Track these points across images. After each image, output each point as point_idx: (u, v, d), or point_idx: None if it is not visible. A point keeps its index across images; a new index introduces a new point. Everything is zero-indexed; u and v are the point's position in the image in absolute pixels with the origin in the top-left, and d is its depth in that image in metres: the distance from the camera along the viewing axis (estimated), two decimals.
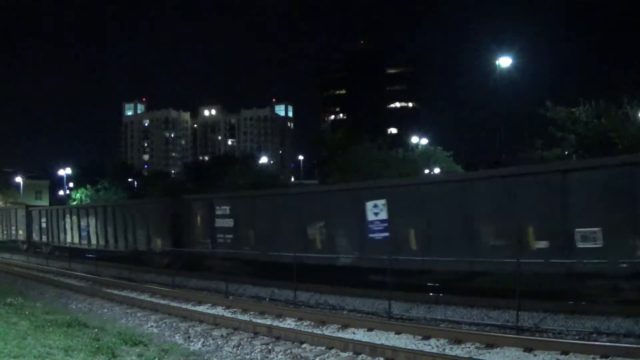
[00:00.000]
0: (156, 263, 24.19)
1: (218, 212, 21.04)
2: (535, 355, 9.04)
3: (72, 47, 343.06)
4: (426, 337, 10.41)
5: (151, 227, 24.95)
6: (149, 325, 12.77)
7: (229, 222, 20.63)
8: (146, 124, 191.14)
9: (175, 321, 13.00)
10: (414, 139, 53.28)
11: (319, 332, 11.31)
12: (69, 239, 32.87)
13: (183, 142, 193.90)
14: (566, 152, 23.00)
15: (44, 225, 36.24)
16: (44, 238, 36.23)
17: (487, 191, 13.73)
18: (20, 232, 39.98)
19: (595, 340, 9.68)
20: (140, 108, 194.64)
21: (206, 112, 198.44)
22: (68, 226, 32.83)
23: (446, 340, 10.19)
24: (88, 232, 30.53)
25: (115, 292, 17.88)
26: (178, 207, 23.62)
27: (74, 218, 32.23)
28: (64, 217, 33.52)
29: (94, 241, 29.95)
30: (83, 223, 31.19)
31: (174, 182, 65.95)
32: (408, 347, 9.58)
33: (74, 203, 55.63)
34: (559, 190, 12.27)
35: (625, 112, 21.52)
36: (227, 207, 20.80)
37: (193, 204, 22.59)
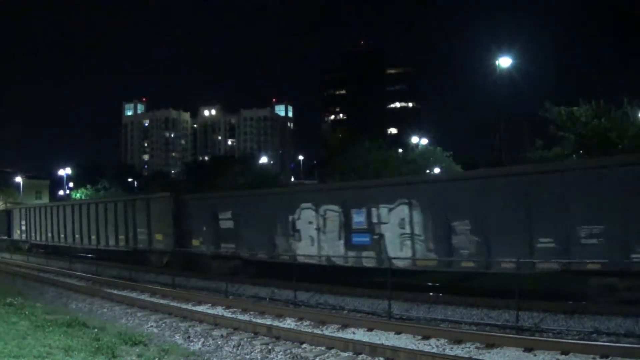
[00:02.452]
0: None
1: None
2: (535, 355, 9.04)
3: (72, 47, 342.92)
4: (426, 337, 10.41)
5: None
6: (149, 325, 12.77)
7: None
8: (146, 124, 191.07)
9: (175, 321, 13.01)
10: (414, 139, 53.30)
11: (319, 332, 11.31)
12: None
13: (183, 142, 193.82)
14: (566, 152, 23.00)
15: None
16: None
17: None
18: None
19: (595, 340, 9.69)
20: (140, 108, 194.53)
21: (206, 112, 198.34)
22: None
23: (446, 340, 10.19)
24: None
25: (115, 292, 17.87)
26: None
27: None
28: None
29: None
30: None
31: (174, 182, 66.01)
32: (408, 347, 9.59)
33: None
34: None
35: (625, 112, 21.53)
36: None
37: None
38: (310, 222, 17.34)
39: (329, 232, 16.85)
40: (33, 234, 36.59)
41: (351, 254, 16.19)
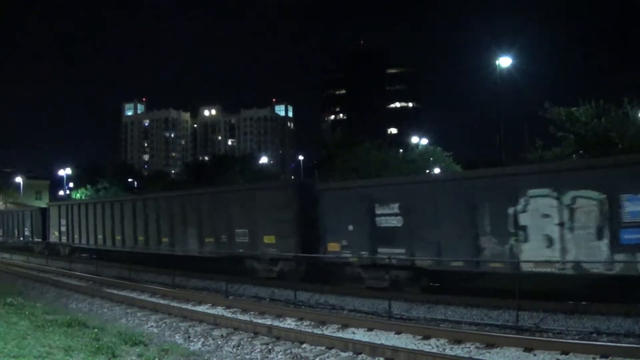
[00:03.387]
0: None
1: None
2: (535, 355, 9.04)
3: (72, 47, 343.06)
4: (426, 337, 10.41)
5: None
6: (149, 325, 12.77)
7: None
8: (146, 124, 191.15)
9: (175, 321, 13.00)
10: (414, 139, 53.30)
11: (319, 332, 11.31)
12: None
13: (183, 142, 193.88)
14: (566, 152, 22.98)
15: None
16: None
17: None
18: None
19: (595, 340, 9.69)
20: (140, 108, 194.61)
21: (206, 112, 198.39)
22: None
23: (446, 340, 10.19)
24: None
25: (115, 292, 17.86)
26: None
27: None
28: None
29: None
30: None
31: (174, 182, 66.01)
32: (408, 347, 9.58)
33: None
34: None
35: (625, 112, 21.52)
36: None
37: None
38: (547, 215, 12.81)
39: (580, 228, 12.36)
40: (76, 236, 30.94)
41: (619, 257, 11.83)
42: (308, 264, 17.61)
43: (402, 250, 14.91)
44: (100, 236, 28.50)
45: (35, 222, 37.01)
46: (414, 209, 14.87)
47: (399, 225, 15.14)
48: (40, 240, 35.88)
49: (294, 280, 16.70)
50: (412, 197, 15.01)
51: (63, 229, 32.34)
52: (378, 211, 15.58)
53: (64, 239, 32.37)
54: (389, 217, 15.34)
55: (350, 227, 16.26)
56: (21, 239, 39.75)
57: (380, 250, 15.36)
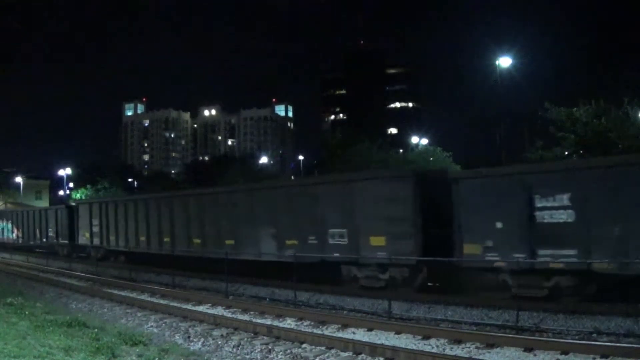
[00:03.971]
0: None
1: None
2: (535, 355, 9.04)
3: (72, 47, 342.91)
4: (426, 337, 10.41)
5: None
6: (149, 325, 12.77)
7: None
8: (146, 124, 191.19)
9: (175, 321, 13.01)
10: (414, 139, 53.30)
11: (319, 332, 11.31)
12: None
13: (183, 142, 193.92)
14: (566, 152, 23.01)
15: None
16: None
17: None
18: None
19: (595, 340, 9.69)
20: (140, 108, 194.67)
21: (206, 112, 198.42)
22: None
23: (446, 340, 10.19)
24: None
25: (115, 292, 17.88)
26: None
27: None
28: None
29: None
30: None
31: (174, 182, 66.06)
32: (408, 347, 9.58)
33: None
34: None
35: (625, 112, 21.54)
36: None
37: None
38: None
39: None
40: (112, 238, 27.17)
41: None
42: (430, 271, 14.82)
43: (573, 252, 12.22)
44: (143, 238, 24.79)
45: (61, 222, 33.32)
46: (591, 199, 12.14)
47: (570, 220, 12.33)
48: (66, 242, 32.41)
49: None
50: (588, 186, 12.23)
51: (95, 229, 28.65)
52: (539, 204, 12.74)
53: (96, 240, 28.77)
54: (556, 210, 12.56)
55: (499, 225, 13.31)
56: (44, 240, 35.75)
57: (542, 252, 12.63)
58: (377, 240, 15.30)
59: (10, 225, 42.73)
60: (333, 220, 16.44)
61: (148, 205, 25.01)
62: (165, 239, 23.39)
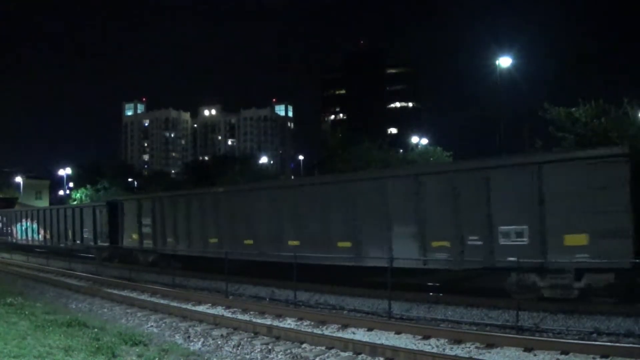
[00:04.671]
0: None
1: None
2: (535, 355, 9.05)
3: (73, 47, 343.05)
4: (426, 337, 10.41)
5: None
6: (149, 325, 12.77)
7: None
8: (146, 124, 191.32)
9: (175, 321, 13.01)
10: (414, 139, 53.29)
11: (319, 332, 11.31)
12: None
13: (183, 142, 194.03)
14: None
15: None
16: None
17: None
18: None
19: (595, 340, 9.69)
20: (140, 108, 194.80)
21: (206, 112, 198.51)
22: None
23: (446, 340, 10.19)
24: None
25: (115, 292, 17.88)
26: None
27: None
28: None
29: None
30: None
31: (174, 182, 66.01)
32: (408, 347, 9.59)
33: (74, 203, 55.41)
34: None
35: (625, 112, 21.53)
36: None
37: None
38: None
39: None
40: (170, 239, 23.01)
41: None
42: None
43: None
44: (214, 239, 20.55)
45: (100, 222, 28.84)
46: None
47: None
48: (106, 244, 27.82)
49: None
50: None
51: (147, 229, 24.48)
52: None
53: (147, 242, 24.52)
54: None
55: None
56: (77, 242, 31.25)
57: None
58: (575, 239, 12.20)
59: (35, 226, 37.88)
60: (507, 214, 13.06)
61: (217, 201, 20.88)
62: (247, 242, 19.12)
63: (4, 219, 44.99)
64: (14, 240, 41.14)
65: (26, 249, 37.34)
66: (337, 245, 16.26)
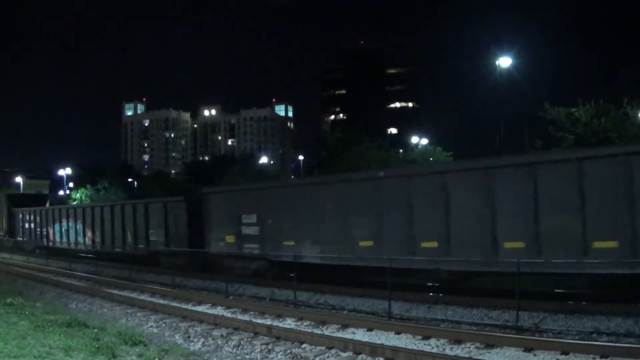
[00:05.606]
0: None
1: None
2: (535, 355, 9.04)
3: (73, 47, 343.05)
4: (426, 337, 10.41)
5: None
6: (149, 325, 12.77)
7: None
8: (146, 124, 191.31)
9: (175, 321, 13.01)
10: (414, 139, 53.30)
11: (319, 332, 11.31)
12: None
13: (183, 142, 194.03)
14: None
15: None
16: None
17: None
18: None
19: (595, 340, 9.69)
20: (140, 108, 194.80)
21: (206, 112, 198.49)
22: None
23: (446, 340, 10.19)
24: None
25: (115, 292, 17.87)
26: None
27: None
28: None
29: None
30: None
31: (174, 182, 66.04)
32: (408, 347, 9.58)
33: (74, 203, 55.27)
34: None
35: (625, 112, 21.56)
36: None
37: None
38: None
39: None
40: (291, 243, 17.37)
41: None
42: None
43: None
44: (367, 243, 15.41)
45: (174, 221, 23.19)
46: None
47: None
48: (184, 248, 22.05)
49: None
50: None
51: (249, 229, 18.86)
52: None
53: (250, 247, 18.86)
54: None
55: None
56: (140, 247, 25.39)
57: None
58: None
59: (80, 226, 31.07)
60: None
61: (366, 188, 15.89)
62: (429, 244, 14.18)
63: (37, 218, 36.63)
64: (51, 244, 34.50)
65: (68, 254, 31.14)
66: (504, 245, 13.07)
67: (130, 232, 26.26)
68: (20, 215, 39.12)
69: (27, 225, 38.05)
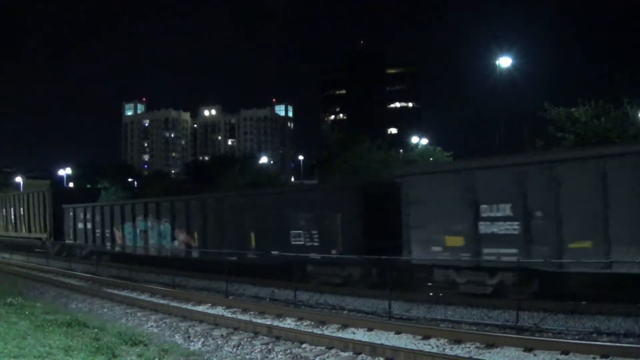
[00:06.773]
0: None
1: None
2: (535, 355, 9.04)
3: (73, 47, 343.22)
4: (426, 337, 10.41)
5: None
6: (149, 325, 12.77)
7: None
8: (146, 124, 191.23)
9: (175, 321, 13.01)
10: (414, 139, 53.28)
11: (319, 332, 11.31)
12: None
13: (183, 142, 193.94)
14: None
15: None
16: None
17: None
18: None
19: (595, 340, 9.69)
20: (140, 108, 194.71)
21: (206, 112, 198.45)
22: None
23: (446, 340, 10.19)
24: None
25: (115, 292, 17.87)
26: None
27: None
28: None
29: None
30: None
31: (174, 182, 65.92)
32: (408, 347, 9.58)
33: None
34: None
35: (625, 112, 21.54)
36: None
37: None
38: None
39: None
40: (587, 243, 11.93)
41: None
42: None
43: None
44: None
45: (341, 217, 16.71)
46: None
47: None
48: (354, 256, 15.93)
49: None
50: None
51: (497, 227, 13.26)
52: None
53: (495, 252, 13.22)
54: None
55: None
56: (272, 253, 18.44)
57: None
58: None
59: (168, 226, 23.93)
60: None
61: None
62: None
63: (97, 216, 29.02)
64: (117, 249, 27.46)
65: (150, 262, 24.83)
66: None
67: (253, 232, 19.67)
68: (72, 213, 31.26)
69: (80, 225, 30.55)
